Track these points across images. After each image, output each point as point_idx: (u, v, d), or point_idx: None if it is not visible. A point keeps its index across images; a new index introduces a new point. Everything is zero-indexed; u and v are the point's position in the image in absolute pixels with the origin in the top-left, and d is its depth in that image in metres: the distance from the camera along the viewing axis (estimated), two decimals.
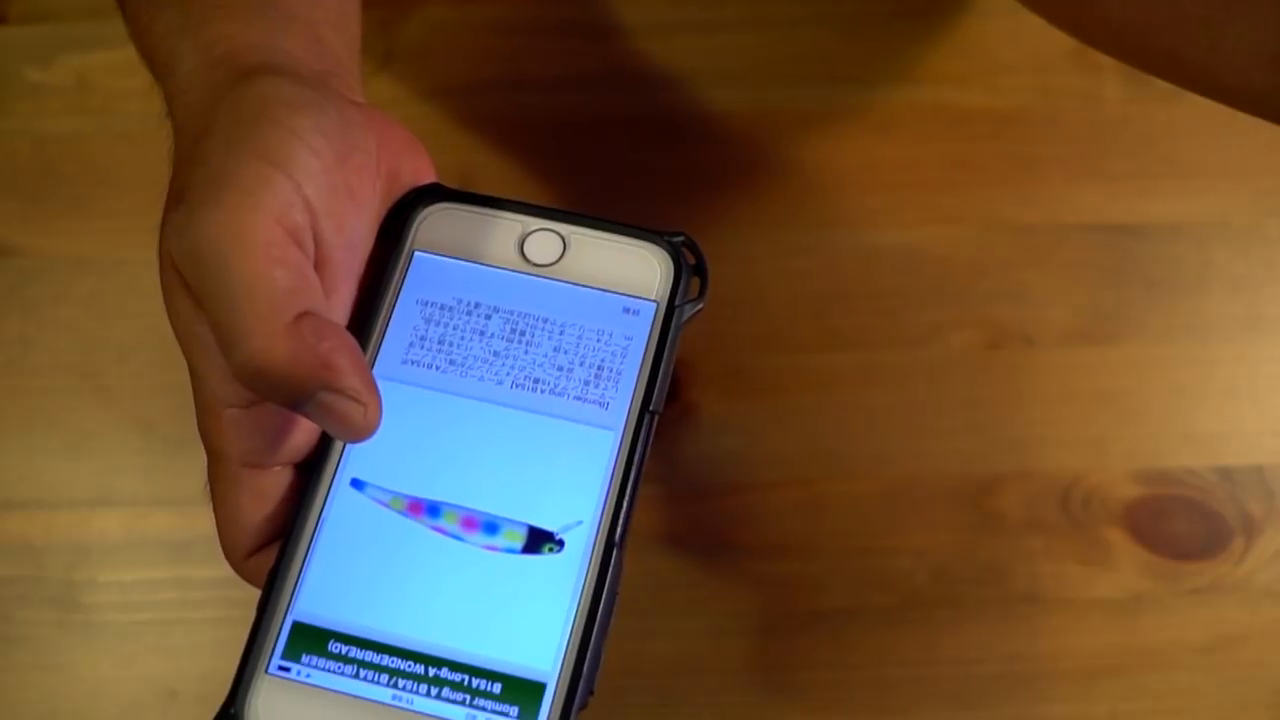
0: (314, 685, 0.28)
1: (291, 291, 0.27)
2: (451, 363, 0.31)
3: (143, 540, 0.48)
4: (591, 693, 0.28)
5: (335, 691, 0.28)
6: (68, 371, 0.50)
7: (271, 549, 0.29)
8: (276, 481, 0.29)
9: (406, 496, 0.29)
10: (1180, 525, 0.48)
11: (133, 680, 0.46)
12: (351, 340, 0.27)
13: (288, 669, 0.28)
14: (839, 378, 0.50)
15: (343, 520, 0.29)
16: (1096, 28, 0.34)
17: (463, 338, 0.31)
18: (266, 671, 0.28)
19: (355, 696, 0.28)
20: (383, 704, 0.28)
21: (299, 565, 0.29)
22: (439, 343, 0.31)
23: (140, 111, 0.53)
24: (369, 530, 0.29)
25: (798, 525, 0.48)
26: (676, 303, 0.31)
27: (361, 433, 0.27)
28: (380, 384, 0.29)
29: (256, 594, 0.49)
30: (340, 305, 0.30)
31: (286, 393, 0.26)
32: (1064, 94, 0.54)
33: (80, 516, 0.48)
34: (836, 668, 0.46)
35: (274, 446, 0.29)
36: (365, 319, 0.31)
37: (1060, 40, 0.52)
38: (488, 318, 0.31)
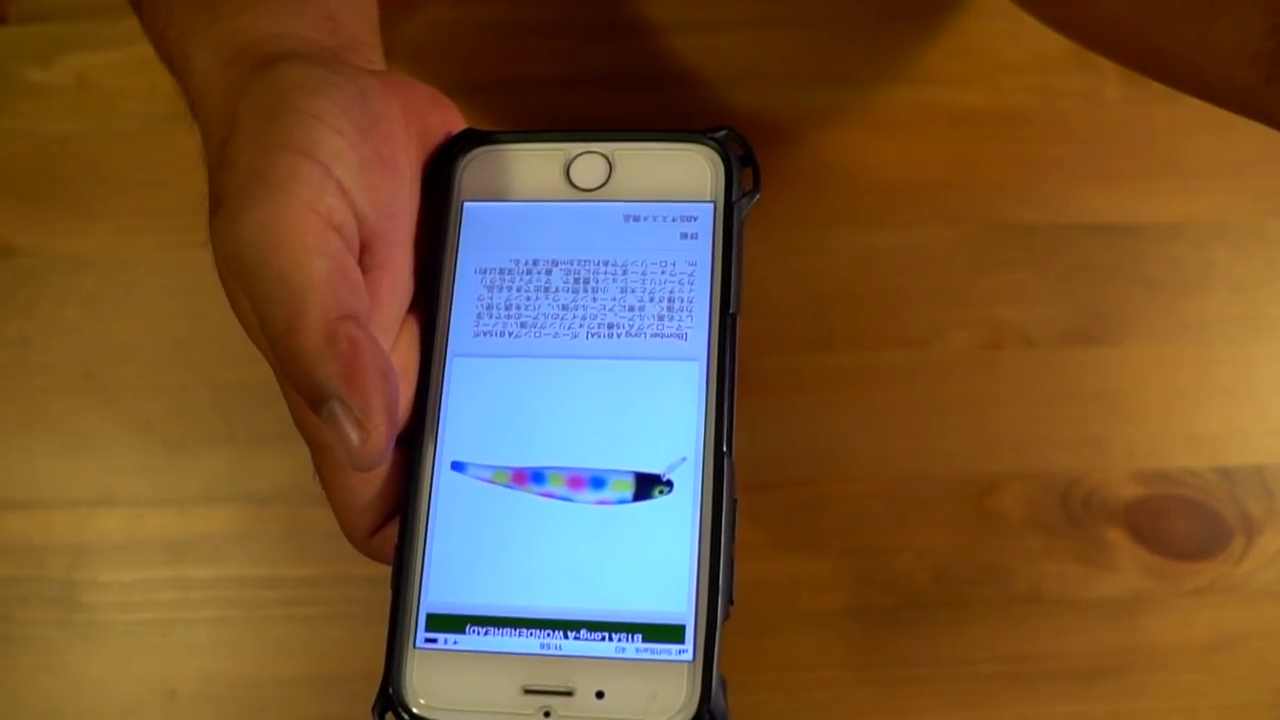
0: (464, 650, 0.28)
1: (331, 280, 0.26)
2: (523, 325, 0.30)
3: (143, 540, 0.48)
4: (733, 602, 0.28)
5: (486, 652, 0.28)
6: (68, 371, 0.50)
7: (392, 525, 0.29)
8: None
9: (509, 469, 0.29)
10: (1180, 525, 0.48)
11: (133, 680, 0.46)
12: (385, 362, 0.27)
13: (435, 639, 0.28)
14: (839, 378, 0.50)
15: (452, 504, 0.29)
16: (1086, 25, 0.34)
17: (528, 299, 0.30)
18: (414, 646, 0.28)
19: (506, 653, 0.28)
20: (533, 655, 0.28)
21: (420, 551, 0.29)
22: (506, 308, 0.30)
23: (140, 111, 0.53)
24: (479, 510, 0.29)
25: (798, 525, 0.48)
26: (734, 199, 0.30)
27: (356, 459, 0.26)
28: (460, 361, 0.29)
29: (252, 597, 0.49)
30: (397, 276, 0.29)
31: (308, 389, 0.26)
32: (1064, 94, 0.54)
33: (80, 516, 0.48)
34: (836, 668, 0.46)
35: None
36: (430, 297, 0.30)
37: (1060, 40, 0.52)
38: (548, 273, 0.31)
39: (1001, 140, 0.53)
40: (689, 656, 0.27)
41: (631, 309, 0.30)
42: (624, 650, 0.28)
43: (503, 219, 0.31)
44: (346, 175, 0.27)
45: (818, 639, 0.46)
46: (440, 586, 0.29)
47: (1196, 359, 0.50)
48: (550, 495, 0.29)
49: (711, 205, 0.30)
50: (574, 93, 0.54)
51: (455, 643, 0.28)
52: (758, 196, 0.30)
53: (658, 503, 0.29)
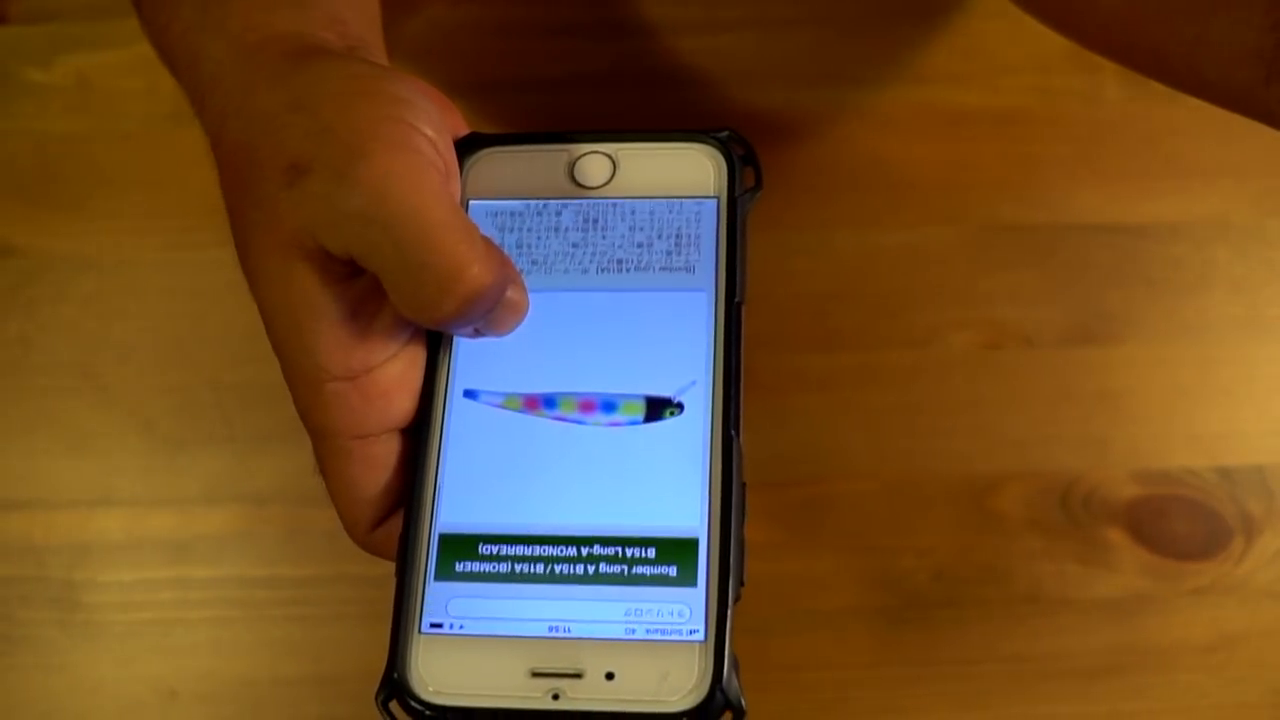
0: (469, 635, 0.28)
1: (464, 217, 0.27)
2: (534, 263, 0.31)
3: (143, 540, 0.48)
4: (743, 582, 0.28)
5: (492, 636, 0.28)
6: (68, 371, 0.50)
7: (393, 520, 0.29)
8: (387, 449, 0.29)
9: (521, 395, 0.30)
10: (1180, 525, 0.48)
11: (133, 680, 0.46)
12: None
13: (441, 624, 0.28)
14: (839, 378, 0.50)
15: (465, 429, 0.30)
16: (1084, 22, 0.34)
17: (539, 237, 0.31)
18: (420, 631, 0.28)
19: (513, 636, 0.28)
20: (540, 637, 0.28)
21: (433, 476, 0.29)
22: (517, 246, 0.31)
23: (140, 111, 0.53)
24: (492, 434, 0.29)
25: (798, 525, 0.48)
26: (736, 194, 0.31)
27: (526, 313, 0.29)
28: None
29: (251, 597, 0.49)
30: None
31: (493, 302, 0.27)
32: (1064, 94, 0.54)
33: (80, 516, 0.48)
34: (837, 667, 0.46)
35: (381, 411, 0.29)
36: None
37: (1060, 40, 0.52)
38: (558, 214, 0.31)
39: (1001, 140, 0.53)
40: (700, 636, 0.27)
41: (640, 245, 0.31)
42: (634, 631, 0.27)
43: (509, 209, 0.32)
44: (434, 133, 0.28)
45: (818, 639, 0.46)
46: (454, 510, 0.29)
47: (1196, 359, 0.50)
48: (562, 419, 0.29)
49: (715, 200, 0.31)
50: (574, 93, 0.54)
51: (461, 627, 0.28)
52: (759, 192, 0.31)
53: (669, 423, 0.29)
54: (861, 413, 0.49)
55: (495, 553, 0.28)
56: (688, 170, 0.32)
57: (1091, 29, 0.34)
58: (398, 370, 0.29)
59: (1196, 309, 0.51)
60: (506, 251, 0.31)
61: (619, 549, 0.28)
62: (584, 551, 0.28)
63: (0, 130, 0.53)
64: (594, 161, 0.32)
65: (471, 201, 0.32)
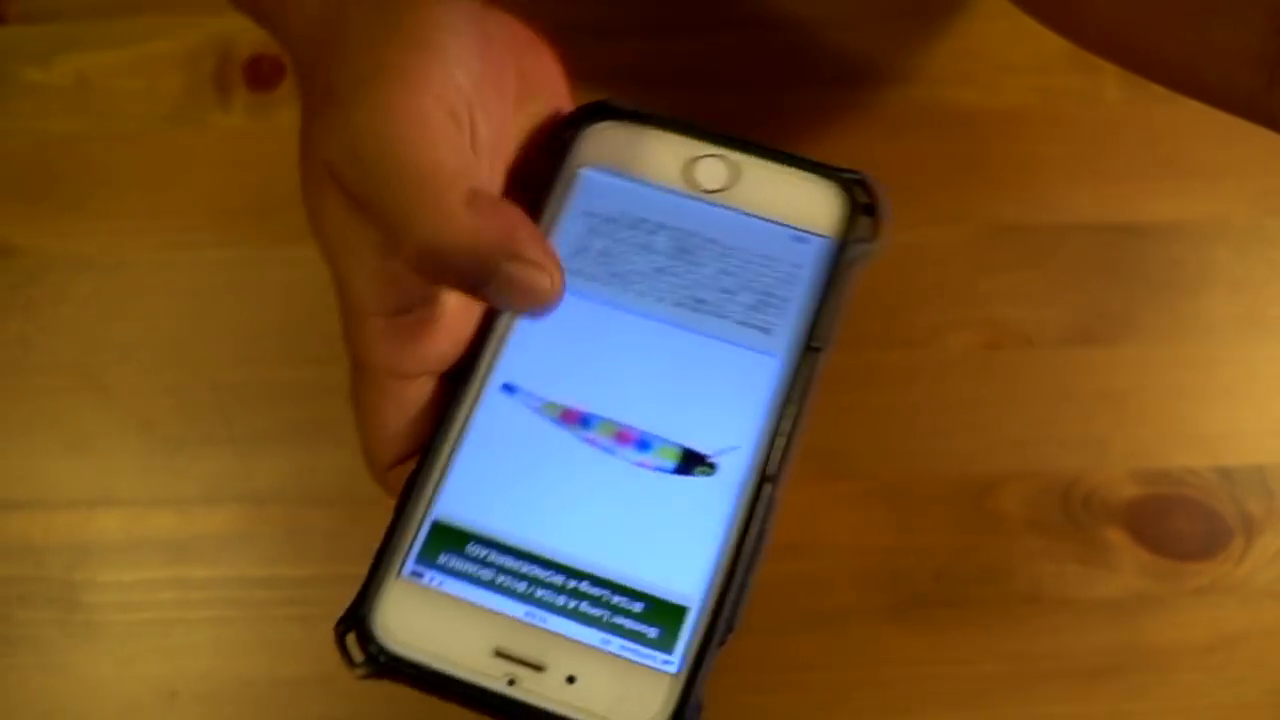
0: (446, 593, 0.27)
1: (461, 171, 0.26)
2: (614, 275, 0.30)
3: (143, 540, 0.48)
4: (733, 629, 0.27)
5: (468, 601, 0.27)
6: (68, 371, 0.50)
7: (413, 461, 0.29)
8: (420, 391, 0.29)
9: (561, 405, 0.28)
10: (1180, 525, 0.48)
11: (133, 680, 0.46)
12: (524, 213, 0.26)
13: (421, 574, 0.27)
14: (838, 378, 0.49)
15: (492, 424, 0.28)
16: (1084, 25, 0.34)
17: (626, 251, 0.30)
18: (399, 575, 0.27)
19: (488, 609, 0.27)
20: (515, 619, 0.27)
21: (442, 467, 0.28)
22: (602, 254, 0.30)
23: (140, 111, 0.53)
24: (518, 435, 0.28)
25: (798, 525, 0.48)
26: (847, 238, 0.30)
27: (549, 300, 0.26)
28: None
29: (251, 597, 0.49)
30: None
31: (470, 270, 0.25)
32: (1064, 94, 0.54)
33: (80, 516, 0.48)
34: (837, 668, 0.46)
35: (419, 355, 0.28)
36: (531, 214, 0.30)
37: (1060, 41, 0.52)
38: (653, 234, 0.30)
39: (1001, 140, 0.53)
40: (674, 668, 0.26)
41: (725, 290, 0.30)
42: (609, 643, 0.27)
43: (616, 188, 0.31)
44: (467, 82, 0.27)
45: (818, 639, 0.46)
46: (456, 498, 0.28)
47: (1196, 359, 0.50)
48: (593, 442, 0.28)
49: (825, 240, 0.30)
50: (574, 93, 0.54)
51: (441, 584, 0.27)
52: (873, 249, 0.30)
53: (697, 481, 0.28)
54: (861, 413, 0.49)
55: (482, 555, 0.27)
56: (805, 201, 0.31)
57: (1091, 31, 0.34)
58: (439, 314, 0.28)
59: (1196, 309, 0.51)
60: (588, 256, 0.30)
61: (606, 592, 0.27)
62: (570, 584, 0.27)
63: (0, 130, 0.53)
64: (715, 165, 0.31)
65: (582, 170, 0.31)
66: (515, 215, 0.26)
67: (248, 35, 0.54)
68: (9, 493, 0.48)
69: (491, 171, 0.29)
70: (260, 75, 0.53)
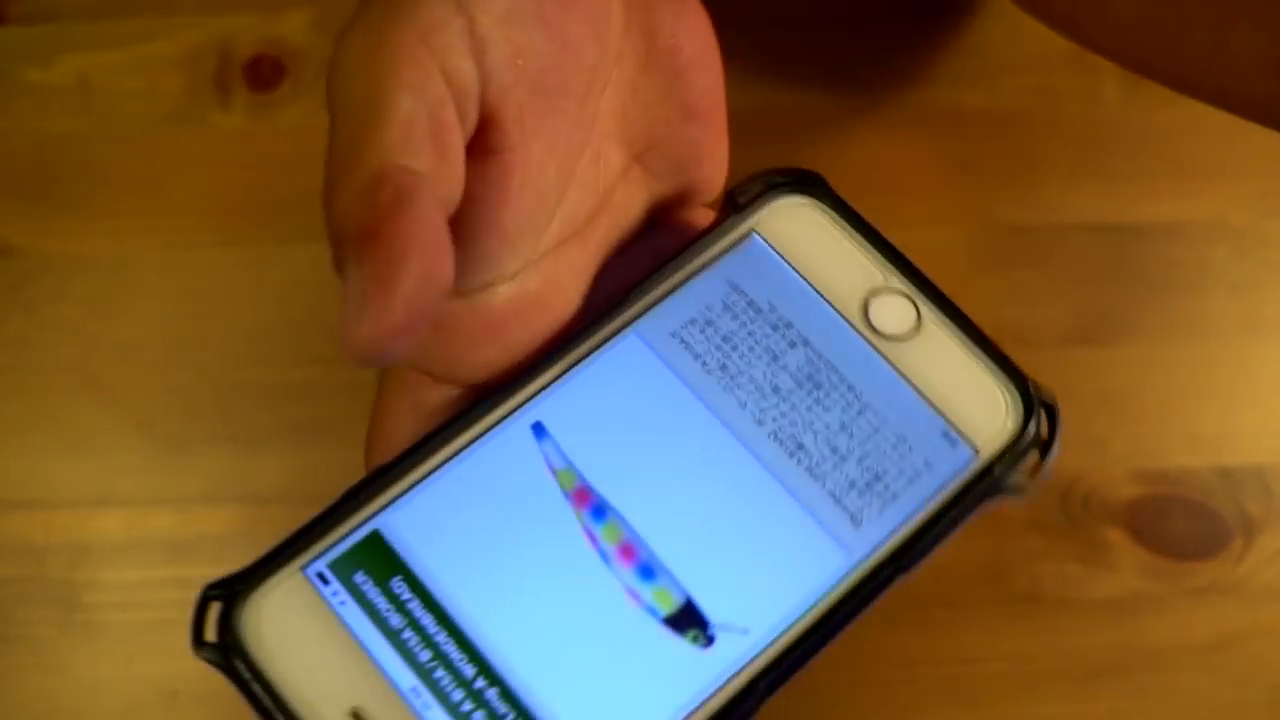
0: (340, 619, 0.22)
1: (411, 123, 0.21)
2: (723, 369, 0.25)
3: (143, 540, 0.48)
4: None
5: (357, 641, 0.22)
6: (68, 371, 0.50)
7: None
8: (440, 398, 0.25)
9: (581, 478, 0.23)
10: (1180, 525, 0.48)
11: (133, 680, 0.46)
12: (435, 239, 0.20)
13: (326, 582, 0.23)
14: None
15: (496, 459, 0.24)
16: (1096, 28, 0.34)
17: (752, 349, 0.25)
18: (302, 570, 0.23)
19: (374, 662, 0.22)
20: (395, 689, 0.22)
21: (419, 477, 0.23)
22: (724, 339, 0.25)
23: (140, 111, 0.53)
24: (516, 489, 0.23)
25: None
26: (996, 470, 0.24)
27: (347, 344, 0.20)
28: (630, 341, 0.24)
29: None
30: (533, 171, 0.24)
31: (332, 240, 0.21)
32: (1064, 94, 0.54)
33: (80, 516, 0.48)
34: (836, 668, 0.46)
35: (452, 354, 0.24)
36: (656, 261, 0.25)
37: (1059, 41, 0.52)
38: (792, 346, 0.25)
39: (1001, 140, 0.53)
40: None
41: (835, 450, 0.24)
42: None
43: (778, 276, 0.26)
44: (485, 19, 0.22)
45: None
46: (409, 518, 0.23)
47: (1196, 359, 0.50)
48: (592, 540, 0.23)
49: (975, 454, 0.25)
50: None
51: (342, 603, 0.22)
52: (1022, 496, 0.25)
53: (682, 645, 0.23)
54: None
55: (403, 600, 0.23)
56: (977, 398, 0.25)
57: (1101, 34, 0.33)
58: (490, 313, 0.24)
59: (1196, 309, 0.51)
60: (707, 332, 0.24)
61: (513, 716, 0.22)
62: (478, 684, 0.22)
63: (0, 130, 0.53)
64: (897, 306, 0.26)
65: (756, 234, 0.26)
66: (407, 222, 0.20)
67: (248, 35, 0.54)
68: (9, 493, 0.48)
69: (525, 134, 0.23)
70: (261, 75, 0.53)
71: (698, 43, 0.27)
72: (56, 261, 0.51)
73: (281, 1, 0.54)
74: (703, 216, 0.29)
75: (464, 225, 0.23)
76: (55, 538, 0.48)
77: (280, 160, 0.51)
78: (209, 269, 0.51)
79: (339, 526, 0.23)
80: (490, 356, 0.24)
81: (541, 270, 0.25)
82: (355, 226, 0.20)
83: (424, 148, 0.21)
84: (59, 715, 0.46)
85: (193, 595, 0.48)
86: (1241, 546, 0.48)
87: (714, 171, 0.29)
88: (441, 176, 0.21)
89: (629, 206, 0.27)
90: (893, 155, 0.53)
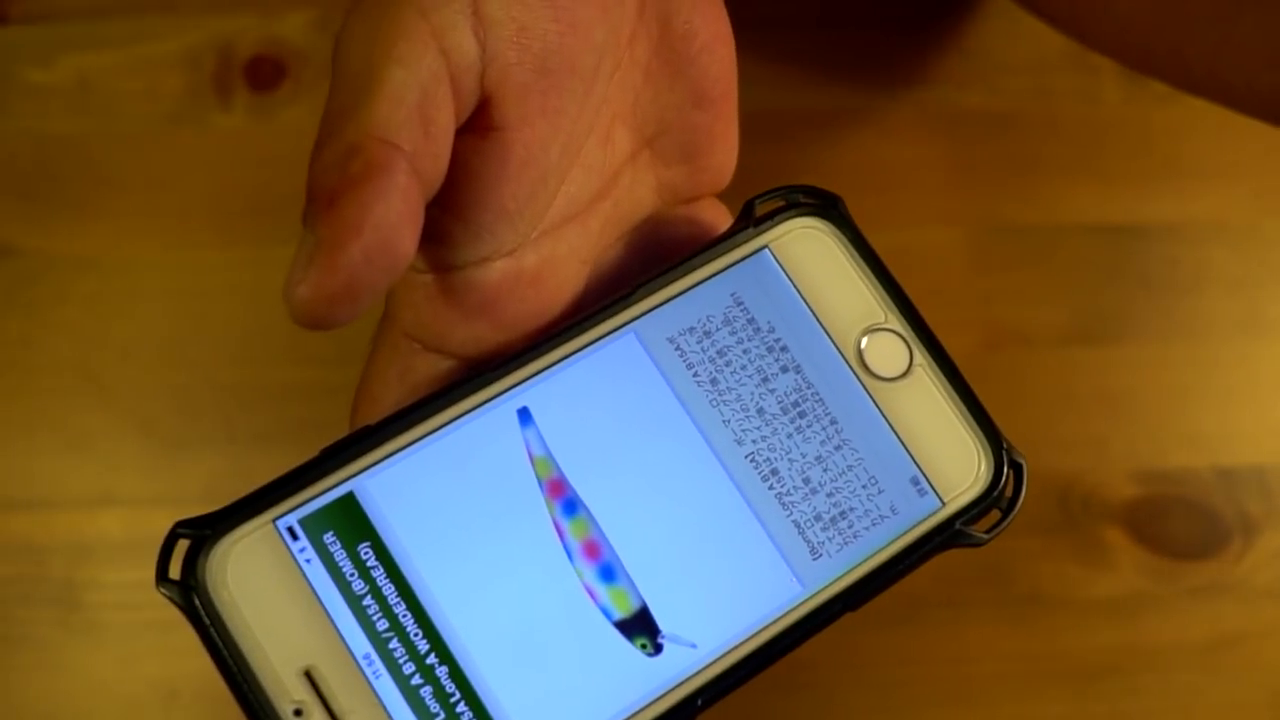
0: (303, 576, 0.22)
1: (399, 97, 0.21)
2: (713, 382, 0.25)
3: (143, 540, 0.48)
4: None
5: (318, 600, 0.22)
6: (68, 371, 0.50)
7: None
8: (430, 367, 0.25)
9: (559, 471, 0.23)
10: (1179, 525, 0.48)
11: (134, 680, 0.46)
12: (395, 214, 0.20)
13: (295, 537, 0.23)
14: None
15: (476, 439, 0.23)
16: (1096, 25, 0.33)
17: (744, 367, 0.25)
18: (273, 522, 0.23)
19: (331, 624, 0.22)
20: (349, 653, 0.22)
21: (400, 446, 0.23)
22: (718, 352, 0.25)
23: (140, 111, 0.53)
24: (493, 472, 0.23)
25: None
26: (958, 523, 0.25)
27: (287, 301, 0.21)
28: (624, 340, 0.24)
29: None
30: (535, 151, 0.23)
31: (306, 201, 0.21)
32: (1063, 94, 0.54)
33: (81, 516, 0.48)
34: (836, 667, 0.46)
35: (440, 326, 0.24)
36: (655, 267, 0.25)
37: (1059, 41, 0.52)
38: (784, 370, 0.25)
39: (1000, 140, 0.53)
40: None
41: (807, 482, 0.24)
42: None
43: (784, 298, 0.26)
44: (497, 5, 0.22)
45: (818, 639, 0.46)
46: (386, 485, 0.23)
47: (1196, 359, 0.50)
48: (560, 533, 0.23)
49: (940, 505, 0.25)
50: None
51: (308, 561, 0.22)
52: (978, 543, 0.25)
53: (628, 650, 0.23)
54: None
55: (368, 567, 0.23)
56: (950, 450, 0.25)
57: (1103, 32, 0.33)
58: (489, 286, 0.24)
59: (1195, 309, 0.51)
60: (702, 343, 0.24)
61: (458, 695, 0.22)
62: (429, 661, 0.22)
63: (0, 130, 0.53)
64: (892, 347, 0.26)
65: (767, 250, 0.26)
66: (369, 194, 0.20)
67: (248, 35, 0.54)
68: (9, 493, 0.48)
69: (531, 110, 0.23)
70: (261, 76, 0.53)
71: (712, 29, 0.27)
72: (56, 261, 0.51)
73: (281, 2, 0.54)
74: (710, 206, 0.29)
75: (462, 200, 0.23)
76: (55, 537, 0.48)
77: (280, 160, 0.51)
78: (209, 270, 0.51)
79: (316, 484, 0.23)
80: (481, 331, 0.24)
81: (539, 249, 0.25)
82: (322, 190, 0.20)
83: (409, 122, 0.21)
84: (59, 714, 0.46)
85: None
86: (1241, 546, 0.48)
87: (723, 160, 0.29)
88: (423, 152, 0.21)
89: (635, 191, 0.27)
90: (892, 155, 0.53)
